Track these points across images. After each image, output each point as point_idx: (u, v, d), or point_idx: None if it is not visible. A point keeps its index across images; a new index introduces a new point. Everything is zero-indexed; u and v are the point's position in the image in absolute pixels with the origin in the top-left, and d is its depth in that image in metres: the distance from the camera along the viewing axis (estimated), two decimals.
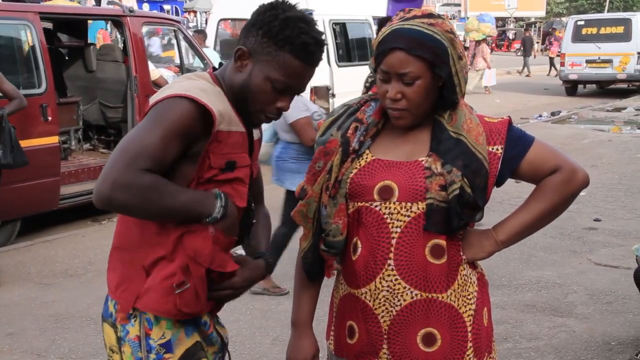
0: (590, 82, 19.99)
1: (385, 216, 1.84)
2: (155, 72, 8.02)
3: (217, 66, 2.03)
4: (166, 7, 34.87)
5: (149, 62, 7.82)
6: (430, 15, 1.84)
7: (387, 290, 1.84)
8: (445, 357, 1.87)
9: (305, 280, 2.01)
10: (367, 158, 1.90)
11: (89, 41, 9.00)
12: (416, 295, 1.84)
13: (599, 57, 18.35)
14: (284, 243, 4.85)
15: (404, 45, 1.78)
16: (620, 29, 18.49)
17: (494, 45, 37.07)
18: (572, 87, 19.71)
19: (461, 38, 5.38)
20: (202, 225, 1.83)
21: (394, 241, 1.84)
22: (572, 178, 1.89)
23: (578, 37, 18.94)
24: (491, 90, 19.82)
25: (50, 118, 6.48)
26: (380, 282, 1.85)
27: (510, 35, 42.78)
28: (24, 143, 5.92)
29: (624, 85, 20.06)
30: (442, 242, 1.85)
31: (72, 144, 7.95)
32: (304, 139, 4.71)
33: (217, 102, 1.82)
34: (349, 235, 1.90)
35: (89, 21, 9.47)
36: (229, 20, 12.89)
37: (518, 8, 38.47)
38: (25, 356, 4.19)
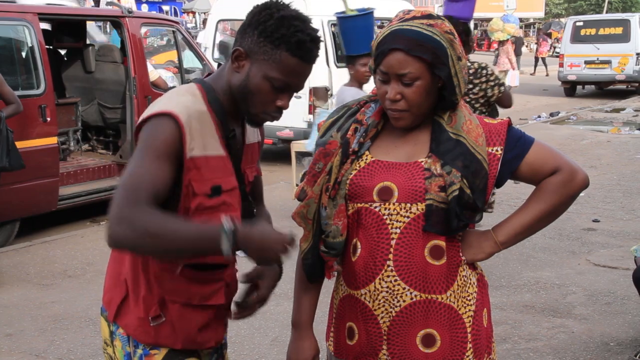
0: (589, 83, 20.00)
1: (385, 217, 1.84)
2: (154, 73, 8.01)
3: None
4: (165, 7, 34.89)
5: (148, 63, 7.82)
6: (430, 16, 1.84)
7: (387, 291, 1.84)
8: (445, 358, 1.87)
9: (306, 281, 2.02)
10: (366, 159, 1.90)
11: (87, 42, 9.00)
12: (415, 296, 1.84)
13: (597, 58, 18.36)
14: None
15: (403, 46, 1.78)
16: (619, 30, 18.50)
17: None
18: (570, 88, 19.72)
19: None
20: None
21: (393, 242, 1.84)
22: (572, 179, 1.89)
23: (577, 38, 18.95)
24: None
25: (49, 119, 6.47)
26: (380, 283, 1.85)
27: None
28: (23, 144, 5.93)
29: (623, 86, 20.07)
30: (442, 243, 1.85)
31: (71, 144, 7.95)
32: None
33: (194, 120, 1.79)
34: (349, 236, 1.90)
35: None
36: (227, 22, 12.89)
37: (517, 9, 38.42)
38: (24, 357, 4.19)
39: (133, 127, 7.33)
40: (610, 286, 5.15)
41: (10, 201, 6.11)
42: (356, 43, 5.26)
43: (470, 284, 1.91)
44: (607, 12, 37.18)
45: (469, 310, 1.90)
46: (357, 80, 5.31)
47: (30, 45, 6.48)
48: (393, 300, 1.85)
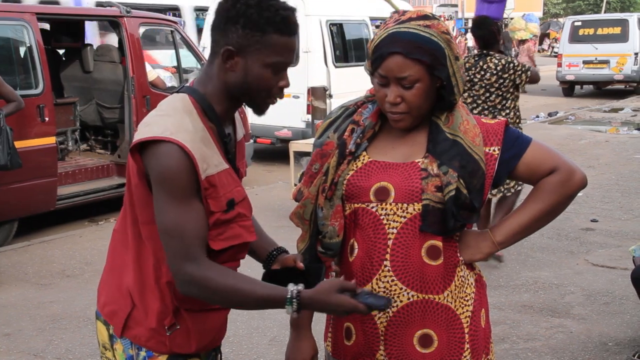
0: (587, 83, 20.00)
1: (382, 217, 1.84)
2: (152, 72, 8.00)
3: None
4: None
5: (146, 63, 7.81)
6: (426, 17, 1.83)
7: (384, 292, 1.84)
8: (442, 358, 1.87)
9: None
10: (363, 160, 1.90)
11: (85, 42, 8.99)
12: (413, 296, 1.84)
13: (596, 58, 18.36)
14: None
15: (401, 49, 1.78)
16: (617, 30, 18.51)
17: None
18: (569, 88, 19.72)
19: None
20: None
21: (390, 242, 1.84)
22: (570, 179, 1.89)
23: (575, 37, 18.94)
24: None
25: (47, 119, 6.47)
26: (377, 283, 1.85)
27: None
28: (21, 144, 5.93)
29: (621, 86, 20.07)
30: (438, 243, 1.85)
31: (69, 144, 7.95)
32: None
33: (198, 144, 1.77)
34: (346, 236, 1.90)
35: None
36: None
37: (515, 9, 38.41)
38: (23, 356, 4.19)
39: (131, 127, 7.33)
40: (608, 286, 5.16)
41: (8, 201, 6.11)
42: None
43: (468, 284, 1.91)
44: (605, 12, 37.20)
45: (467, 310, 1.90)
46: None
47: (28, 45, 6.48)
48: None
